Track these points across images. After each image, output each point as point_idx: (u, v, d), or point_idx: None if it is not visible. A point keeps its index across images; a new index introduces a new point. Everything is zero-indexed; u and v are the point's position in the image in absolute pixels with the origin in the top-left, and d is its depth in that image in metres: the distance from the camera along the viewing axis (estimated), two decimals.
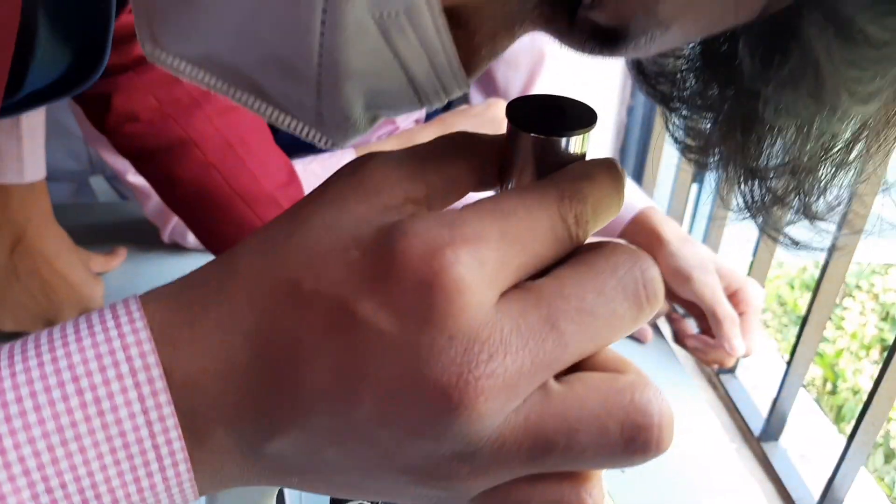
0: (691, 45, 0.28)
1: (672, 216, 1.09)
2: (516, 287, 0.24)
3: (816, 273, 2.61)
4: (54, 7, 0.34)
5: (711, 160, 0.29)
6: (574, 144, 0.27)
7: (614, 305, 0.24)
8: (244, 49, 0.27)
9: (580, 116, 0.27)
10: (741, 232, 1.08)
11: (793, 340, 0.77)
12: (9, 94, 0.32)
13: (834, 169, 0.27)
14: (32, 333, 0.24)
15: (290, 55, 0.26)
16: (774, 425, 0.77)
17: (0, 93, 0.31)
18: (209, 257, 0.81)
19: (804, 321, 0.73)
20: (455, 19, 0.26)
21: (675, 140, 0.31)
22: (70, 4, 0.35)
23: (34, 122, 0.76)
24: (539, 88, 1.02)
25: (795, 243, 0.30)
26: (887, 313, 2.50)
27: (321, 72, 0.26)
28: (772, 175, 0.28)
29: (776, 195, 0.28)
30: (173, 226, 0.91)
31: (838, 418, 2.17)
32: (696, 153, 0.30)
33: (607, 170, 0.26)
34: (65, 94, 0.39)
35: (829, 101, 0.24)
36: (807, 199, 0.27)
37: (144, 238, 0.94)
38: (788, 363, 0.75)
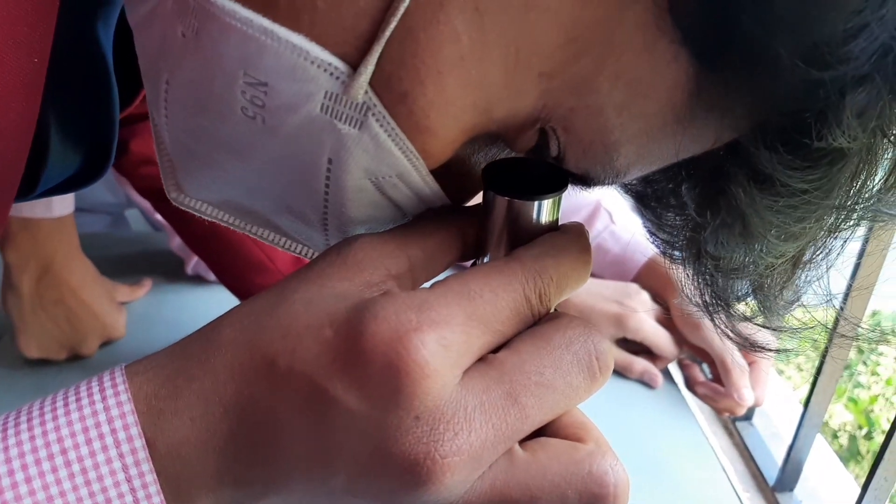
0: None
1: None
2: (479, 360, 0.26)
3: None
4: (65, 117, 0.36)
5: (679, 257, 0.31)
6: (546, 207, 0.28)
7: (570, 378, 0.26)
8: (258, 200, 0.30)
9: (553, 180, 0.28)
10: None
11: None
12: (22, 194, 0.34)
13: (783, 278, 0.29)
14: (25, 406, 0.26)
15: (301, 208, 0.29)
16: (790, 475, 0.76)
17: (12, 198, 0.34)
18: (227, 291, 0.84)
19: (818, 369, 0.72)
20: (446, 169, 0.28)
21: (649, 233, 0.33)
22: (79, 115, 0.38)
23: None
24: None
25: (751, 344, 0.31)
26: None
27: (327, 219, 0.29)
28: (723, 285, 0.30)
29: (727, 300, 0.30)
30: (196, 261, 0.93)
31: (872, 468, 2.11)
32: (669, 250, 0.32)
33: (575, 241, 0.28)
34: (73, 189, 0.42)
35: (758, 243, 0.26)
36: (763, 302, 0.30)
37: (170, 270, 0.97)
38: (804, 410, 0.74)
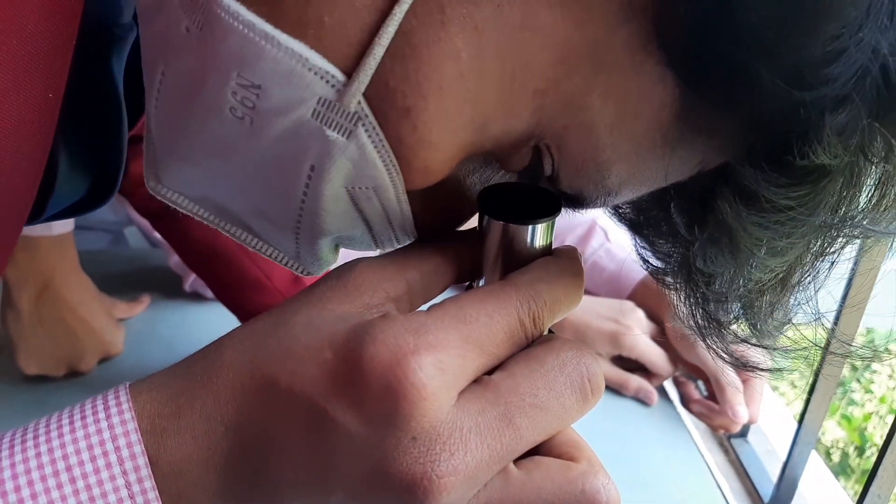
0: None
1: None
2: (474, 383, 0.26)
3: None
4: (74, 146, 0.37)
5: (671, 282, 0.32)
6: (540, 231, 0.29)
7: (563, 399, 0.27)
8: (236, 200, 0.31)
9: (547, 204, 0.29)
10: None
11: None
12: (29, 219, 0.35)
13: (773, 298, 0.29)
14: (32, 423, 0.27)
15: (275, 213, 0.30)
16: (785, 491, 0.76)
17: (22, 224, 0.34)
18: (224, 308, 0.84)
19: (812, 385, 0.73)
20: (442, 192, 0.29)
21: (642, 259, 0.34)
22: (88, 144, 0.39)
23: None
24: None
25: (743, 365, 0.32)
26: None
27: (300, 228, 0.29)
28: (714, 306, 0.31)
29: (719, 321, 0.31)
30: (194, 278, 0.94)
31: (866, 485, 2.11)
32: (661, 274, 0.33)
33: (568, 265, 0.29)
34: (78, 214, 0.43)
35: (746, 257, 0.27)
36: (754, 323, 0.30)
37: (168, 287, 0.97)
38: (798, 427, 0.75)
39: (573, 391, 0.27)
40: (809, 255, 0.28)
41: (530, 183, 0.30)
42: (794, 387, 2.42)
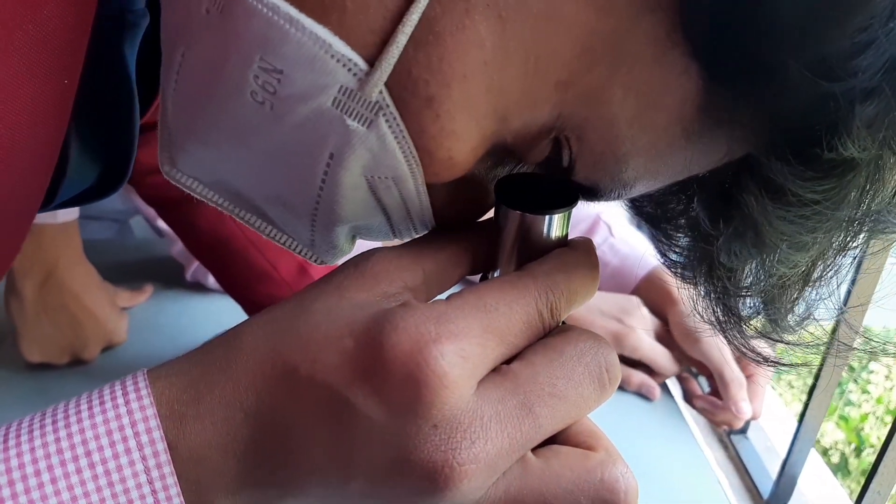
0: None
1: None
2: (493, 372, 0.26)
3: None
4: (86, 133, 0.37)
5: (692, 277, 0.32)
6: (556, 222, 0.29)
7: (581, 389, 0.27)
8: (251, 186, 0.30)
9: (563, 195, 0.29)
10: None
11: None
12: (41, 207, 0.35)
13: (794, 293, 0.29)
14: (50, 408, 0.27)
15: (293, 199, 0.29)
16: (784, 488, 0.76)
17: (35, 210, 0.34)
18: (226, 298, 0.84)
19: (813, 384, 0.73)
20: (462, 187, 0.29)
21: (660, 254, 0.34)
22: (100, 131, 0.39)
23: None
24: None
25: (764, 359, 0.32)
26: None
27: (317, 214, 0.29)
28: (733, 301, 0.31)
29: (740, 316, 0.31)
30: (195, 267, 0.94)
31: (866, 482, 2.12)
32: (680, 269, 0.33)
33: (584, 257, 0.29)
34: (88, 202, 0.43)
35: (770, 252, 0.27)
36: (775, 318, 0.30)
37: (171, 276, 0.97)
38: (798, 425, 0.75)
39: (591, 381, 0.27)
40: (832, 250, 0.28)
41: (547, 174, 0.30)
42: (792, 387, 2.42)
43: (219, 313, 0.93)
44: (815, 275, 0.29)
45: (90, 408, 0.26)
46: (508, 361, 0.27)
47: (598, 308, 0.84)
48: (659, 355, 0.82)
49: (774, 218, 0.26)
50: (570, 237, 0.30)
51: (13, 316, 0.76)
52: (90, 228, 1.07)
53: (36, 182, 0.32)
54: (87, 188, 0.42)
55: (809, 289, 0.29)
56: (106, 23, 0.32)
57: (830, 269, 0.29)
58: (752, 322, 0.31)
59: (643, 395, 0.82)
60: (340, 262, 0.32)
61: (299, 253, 0.33)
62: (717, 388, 0.80)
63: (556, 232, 0.29)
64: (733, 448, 0.82)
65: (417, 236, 0.31)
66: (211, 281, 0.94)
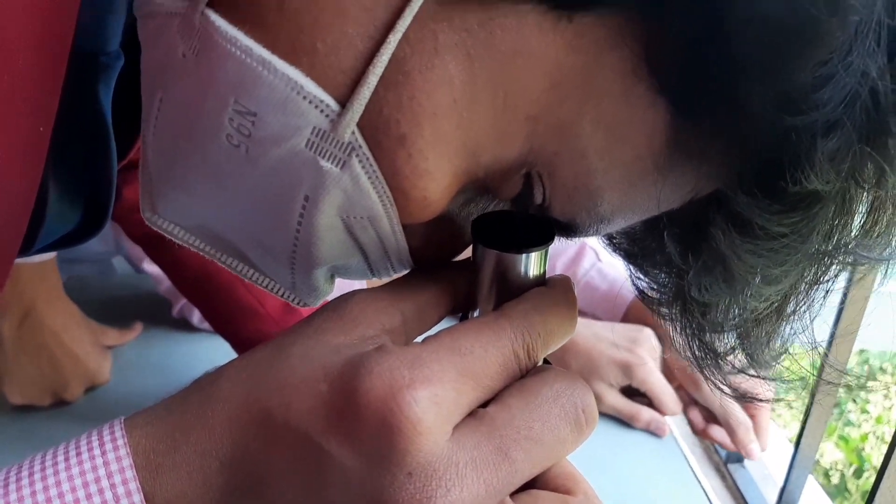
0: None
1: None
2: (469, 416, 0.26)
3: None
4: (64, 177, 0.37)
5: (666, 313, 0.32)
6: (533, 260, 0.29)
7: (558, 431, 0.26)
8: (230, 230, 0.31)
9: (540, 232, 0.29)
10: None
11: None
12: (20, 252, 0.35)
13: (769, 328, 0.29)
14: (27, 459, 0.26)
15: (271, 241, 0.29)
16: None
17: (14, 256, 0.34)
18: (213, 335, 0.83)
19: (808, 410, 0.72)
20: (436, 226, 0.29)
21: (637, 290, 0.33)
22: (78, 174, 0.39)
23: None
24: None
25: (742, 396, 0.32)
26: None
27: (295, 257, 0.29)
28: (707, 336, 0.30)
29: (716, 352, 0.31)
30: (183, 303, 0.93)
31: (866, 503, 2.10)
32: (656, 305, 0.33)
33: (561, 296, 0.29)
34: (70, 245, 0.43)
35: (740, 286, 0.27)
36: (751, 353, 0.30)
37: (157, 313, 0.96)
38: (794, 451, 0.74)
39: (568, 422, 0.27)
40: (804, 284, 0.28)
41: (524, 211, 0.30)
42: (791, 408, 2.41)
43: (206, 351, 0.92)
44: (790, 309, 0.29)
45: (66, 459, 0.26)
46: (485, 404, 0.27)
47: (608, 338, 0.83)
48: (666, 393, 0.81)
49: (743, 252, 0.26)
50: (556, 264, 0.30)
51: None
52: (70, 269, 1.07)
53: (12, 229, 0.32)
54: (68, 232, 0.42)
55: (784, 323, 0.29)
56: (79, 65, 0.32)
57: (804, 303, 0.28)
58: (728, 358, 0.30)
59: (652, 432, 0.81)
60: (321, 302, 0.32)
61: (282, 296, 0.33)
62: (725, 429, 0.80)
63: (533, 270, 0.29)
64: (730, 477, 0.81)
65: (396, 276, 0.31)
66: (197, 318, 0.93)
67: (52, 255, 0.76)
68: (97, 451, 0.26)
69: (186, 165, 0.28)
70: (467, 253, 0.32)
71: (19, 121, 0.28)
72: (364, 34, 0.24)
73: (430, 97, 0.25)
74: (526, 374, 0.28)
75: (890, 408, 2.42)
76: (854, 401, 2.45)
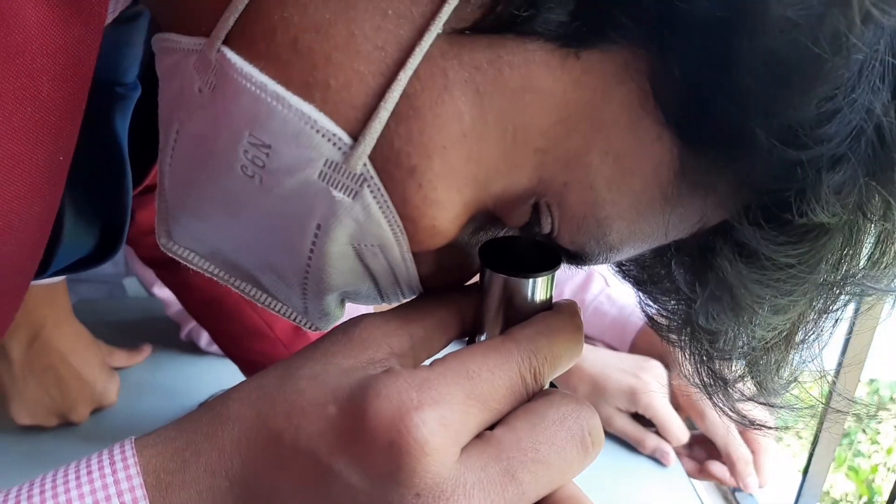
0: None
1: None
2: (476, 438, 0.26)
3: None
4: (80, 203, 0.38)
5: (675, 340, 0.32)
6: (540, 285, 0.29)
7: (564, 454, 0.27)
8: (245, 256, 0.31)
9: (547, 257, 0.29)
10: None
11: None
12: (35, 275, 0.36)
13: (778, 356, 0.29)
14: (38, 477, 0.27)
15: (283, 268, 0.30)
16: None
17: (30, 280, 0.35)
18: (220, 358, 0.83)
19: (815, 439, 0.72)
20: (445, 255, 0.30)
21: (647, 316, 0.34)
22: (94, 200, 0.40)
23: None
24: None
25: (750, 423, 0.32)
26: None
27: (307, 282, 0.30)
28: (716, 364, 0.31)
29: (725, 379, 0.31)
30: (191, 327, 0.94)
31: None
32: (666, 332, 0.33)
33: (568, 320, 0.29)
34: (84, 269, 0.44)
35: (748, 316, 0.27)
36: (760, 381, 0.30)
37: (166, 336, 0.97)
38: (802, 480, 0.74)
39: (574, 445, 0.27)
40: (812, 313, 0.28)
41: (531, 237, 0.30)
42: (800, 437, 2.39)
43: (213, 374, 0.92)
44: (798, 338, 0.29)
45: (78, 477, 0.26)
46: (492, 427, 0.27)
47: (616, 365, 0.83)
48: (672, 420, 0.80)
49: (750, 282, 0.26)
50: (563, 289, 0.30)
51: (1, 378, 0.75)
52: (80, 290, 1.07)
53: (30, 254, 0.33)
54: (83, 256, 0.42)
55: (793, 351, 0.29)
56: (96, 94, 0.33)
57: (812, 332, 0.29)
58: (738, 385, 0.31)
59: (656, 459, 0.81)
60: (332, 326, 0.32)
61: (294, 320, 0.33)
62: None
63: (540, 295, 0.29)
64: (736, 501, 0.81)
65: (405, 301, 0.32)
66: (205, 341, 0.94)
67: (62, 277, 0.77)
68: (108, 470, 0.26)
69: (202, 194, 0.29)
70: (476, 278, 0.32)
71: (41, 149, 0.29)
72: (376, 71, 0.25)
73: (439, 131, 0.26)
74: (532, 398, 0.28)
75: None
76: (864, 431, 2.42)
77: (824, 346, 0.29)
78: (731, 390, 0.31)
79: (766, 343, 0.29)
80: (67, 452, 0.77)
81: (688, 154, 0.25)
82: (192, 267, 0.33)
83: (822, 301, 0.28)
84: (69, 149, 0.31)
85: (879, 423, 2.41)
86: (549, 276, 0.29)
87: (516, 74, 0.25)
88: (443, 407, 0.25)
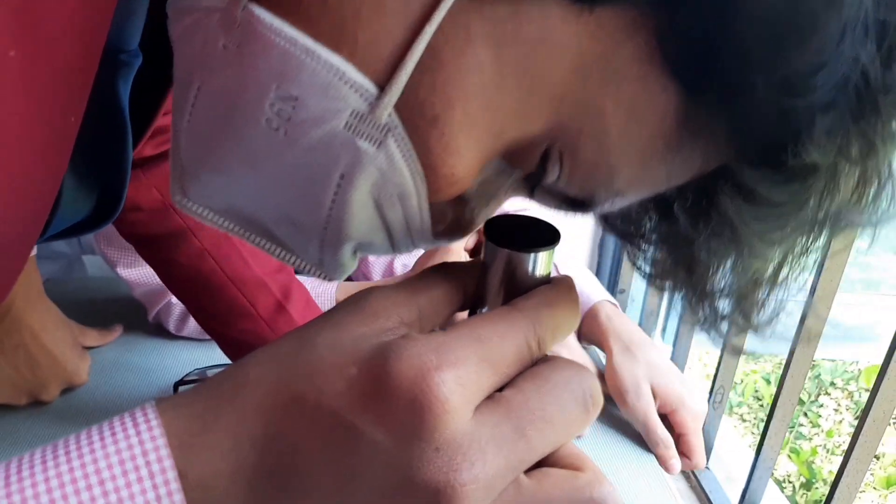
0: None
1: (648, 311, 1.13)
2: (487, 399, 0.28)
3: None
4: (80, 166, 0.38)
5: (668, 286, 0.34)
6: (541, 259, 0.31)
7: (568, 413, 0.28)
8: (264, 209, 0.32)
9: (547, 235, 0.31)
10: None
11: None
12: None
13: (766, 290, 0.32)
14: (60, 440, 0.27)
15: (303, 220, 0.31)
16: None
17: (34, 241, 0.35)
18: (189, 340, 0.83)
19: (770, 415, 0.76)
20: (444, 202, 0.31)
21: (637, 269, 0.36)
22: (94, 164, 0.40)
23: None
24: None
25: (739, 351, 0.35)
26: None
27: (326, 234, 0.31)
28: (715, 299, 0.33)
29: (721, 314, 0.33)
30: (158, 309, 0.94)
31: None
32: (656, 280, 0.35)
33: (566, 294, 0.31)
34: (81, 234, 0.44)
35: (746, 248, 0.30)
36: (748, 314, 0.33)
37: (136, 316, 0.97)
38: (756, 456, 0.77)
39: (577, 405, 0.28)
40: (798, 248, 0.31)
41: (532, 217, 0.32)
42: (743, 420, 2.47)
43: (186, 353, 0.92)
44: (783, 274, 0.32)
45: (102, 438, 0.27)
46: (500, 390, 0.28)
47: (677, 374, 0.87)
48: (699, 443, 0.84)
49: (748, 218, 0.29)
50: (561, 276, 0.32)
51: None
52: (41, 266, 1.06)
53: (36, 216, 0.33)
54: (80, 220, 0.43)
55: (778, 286, 0.32)
56: (103, 62, 0.33)
57: (796, 270, 0.32)
58: (725, 320, 0.33)
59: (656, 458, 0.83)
60: (345, 277, 0.34)
61: (308, 272, 0.34)
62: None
63: (540, 269, 0.31)
64: (695, 478, 0.84)
65: (409, 274, 0.33)
66: (173, 324, 0.94)
67: (32, 253, 0.76)
68: (132, 431, 0.27)
69: (223, 150, 0.30)
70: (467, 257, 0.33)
71: (57, 109, 0.29)
72: (402, 26, 0.27)
73: (462, 82, 0.27)
74: (536, 363, 0.30)
75: (840, 421, 2.49)
76: (805, 414, 2.51)
77: (805, 283, 0.32)
78: (721, 323, 0.33)
79: (757, 277, 0.31)
80: (42, 432, 0.76)
81: (691, 104, 0.28)
82: (206, 223, 0.34)
83: (805, 238, 0.31)
84: (80, 111, 0.31)
85: (821, 406, 2.51)
86: (550, 251, 0.31)
87: (535, 27, 0.27)
88: (459, 368, 0.26)
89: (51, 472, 0.26)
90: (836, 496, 0.67)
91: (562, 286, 0.31)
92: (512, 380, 0.29)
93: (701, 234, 0.31)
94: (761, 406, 2.58)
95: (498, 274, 0.31)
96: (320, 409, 0.27)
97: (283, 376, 0.28)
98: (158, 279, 0.75)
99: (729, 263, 0.31)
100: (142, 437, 0.26)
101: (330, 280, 0.35)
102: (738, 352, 0.35)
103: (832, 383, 2.58)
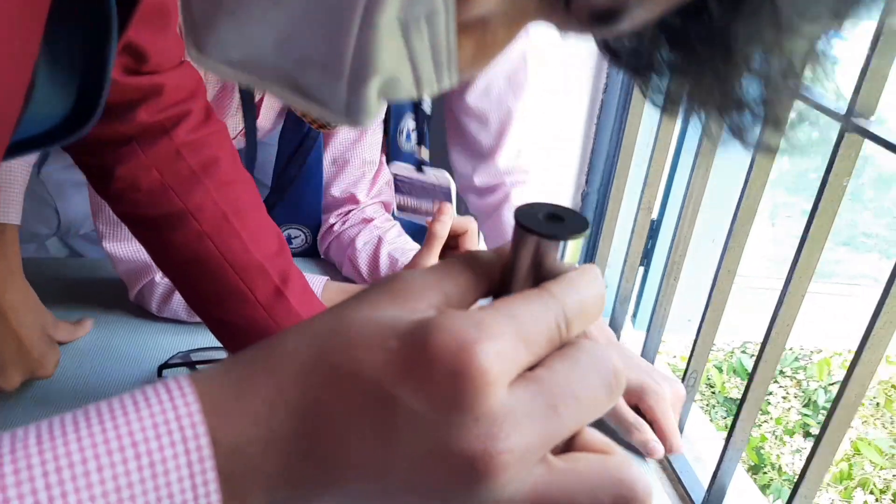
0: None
1: (621, 297, 1.15)
2: (521, 377, 0.29)
3: (743, 359, 2.68)
4: (56, 52, 0.36)
5: (688, 108, 0.36)
6: (570, 247, 0.32)
7: (595, 392, 0.29)
8: (285, 52, 0.32)
9: (575, 225, 0.32)
10: (683, 311, 1.16)
11: (720, 421, 0.83)
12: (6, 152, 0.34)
13: (793, 85, 0.34)
14: (91, 405, 0.27)
15: (328, 55, 0.31)
16: (715, 497, 0.82)
17: (12, 127, 0.32)
18: (169, 325, 0.82)
19: (743, 398, 0.79)
20: (468, 25, 0.32)
21: (653, 103, 0.38)
22: (72, 51, 0.37)
23: (15, 168, 0.77)
24: (509, 142, 1.14)
25: (770, 149, 0.37)
26: (809, 399, 2.61)
27: (353, 70, 0.31)
28: (745, 99, 0.35)
29: (754, 114, 0.35)
30: (139, 289, 0.93)
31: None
32: (673, 109, 0.37)
33: (593, 280, 0.32)
34: (55, 143, 0.42)
35: (786, 23, 0.31)
36: (775, 111, 0.35)
37: (111, 298, 0.96)
38: (727, 440, 0.81)
39: (603, 386, 0.30)
40: (825, 32, 0.33)
41: (560, 205, 0.33)
42: (711, 407, 2.53)
43: (167, 337, 0.92)
44: (815, 57, 0.34)
45: (135, 403, 0.27)
46: (531, 369, 0.29)
47: (639, 365, 0.90)
48: (673, 427, 0.85)
49: None
50: (586, 264, 0.33)
51: None
52: None
53: (10, 97, 0.31)
54: (55, 124, 0.40)
55: (804, 77, 0.34)
56: None
57: (823, 58, 0.34)
58: (757, 121, 0.35)
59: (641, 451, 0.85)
60: (372, 121, 0.35)
61: (335, 123, 0.35)
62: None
63: (568, 257, 0.32)
64: (667, 460, 0.88)
65: (415, 83, 0.34)
66: (155, 305, 0.93)
67: (14, 221, 0.74)
68: (165, 397, 0.27)
69: None
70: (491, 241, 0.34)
71: None
72: None
73: None
74: (563, 346, 0.31)
75: (789, 409, 2.57)
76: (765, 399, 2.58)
77: (828, 75, 0.34)
78: (743, 113, 0.35)
79: (788, 64, 0.33)
80: (18, 417, 0.76)
81: None
82: (223, 78, 0.33)
83: (837, 20, 0.32)
84: None
85: (769, 395, 2.59)
86: (579, 238, 0.32)
87: None
88: (498, 342, 0.27)
89: (83, 431, 0.26)
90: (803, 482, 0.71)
91: (588, 273, 0.32)
92: (542, 360, 0.30)
93: (739, 17, 0.32)
94: (713, 393, 2.65)
95: (527, 260, 0.32)
96: (358, 378, 0.27)
97: (322, 347, 0.28)
98: (144, 256, 0.73)
99: (760, 54, 0.33)
100: (175, 402, 0.27)
101: (357, 126, 0.35)
102: (772, 151, 0.37)
103: (781, 371, 2.67)
